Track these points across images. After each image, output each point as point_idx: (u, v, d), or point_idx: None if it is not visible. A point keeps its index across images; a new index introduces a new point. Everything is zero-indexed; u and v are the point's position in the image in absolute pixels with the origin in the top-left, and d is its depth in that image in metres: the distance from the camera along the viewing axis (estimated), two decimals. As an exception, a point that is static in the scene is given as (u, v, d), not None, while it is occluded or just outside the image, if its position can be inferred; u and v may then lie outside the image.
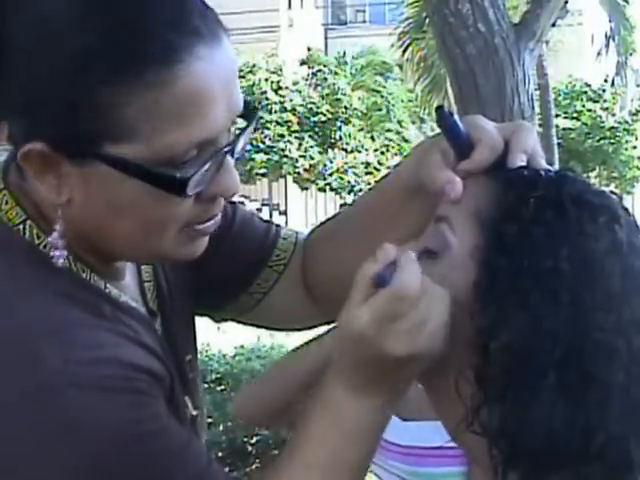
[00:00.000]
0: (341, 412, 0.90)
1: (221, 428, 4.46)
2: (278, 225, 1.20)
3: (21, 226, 0.92)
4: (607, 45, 12.22)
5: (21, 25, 0.85)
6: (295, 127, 22.04)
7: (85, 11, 0.84)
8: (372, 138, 23.86)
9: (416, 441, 1.81)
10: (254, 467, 4.52)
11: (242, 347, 5.14)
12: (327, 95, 22.36)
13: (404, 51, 10.56)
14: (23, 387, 0.83)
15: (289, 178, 23.56)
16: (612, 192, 0.92)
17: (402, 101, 24.60)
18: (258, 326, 1.24)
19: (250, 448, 4.56)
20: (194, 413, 1.06)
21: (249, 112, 0.94)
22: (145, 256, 0.97)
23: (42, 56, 0.84)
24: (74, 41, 0.83)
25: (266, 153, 21.23)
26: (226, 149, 0.90)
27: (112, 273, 0.98)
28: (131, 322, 0.95)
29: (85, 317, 0.89)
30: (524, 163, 0.91)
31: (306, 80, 22.94)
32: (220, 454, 4.38)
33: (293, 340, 0.90)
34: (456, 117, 0.93)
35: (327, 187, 23.19)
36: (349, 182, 22.36)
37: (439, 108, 0.93)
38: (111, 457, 0.85)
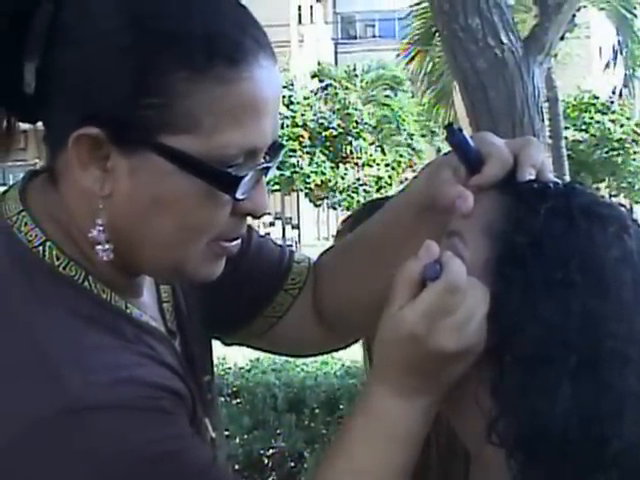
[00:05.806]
0: (388, 417, 0.89)
1: (237, 441, 4.43)
2: (292, 249, 1.20)
3: (40, 248, 0.90)
4: (615, 58, 12.17)
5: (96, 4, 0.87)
6: (306, 142, 21.97)
7: None
8: (383, 152, 23.77)
9: None
10: (270, 479, 4.51)
11: (258, 360, 5.11)
12: (338, 110, 22.30)
13: (409, 62, 10.56)
14: (44, 411, 0.82)
15: (301, 193, 23.46)
16: (621, 204, 0.93)
17: (412, 114, 24.54)
18: (266, 351, 1.24)
19: (266, 460, 4.54)
20: (213, 435, 1.05)
21: (274, 148, 0.94)
22: (168, 270, 0.94)
23: (113, 34, 0.85)
24: (152, 22, 0.85)
25: (278, 168, 21.13)
26: (264, 165, 0.91)
27: (131, 290, 0.97)
28: (153, 342, 0.95)
29: (107, 339, 0.88)
30: (533, 177, 0.92)
31: (316, 94, 22.88)
32: (237, 467, 4.36)
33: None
34: (466, 133, 0.94)
35: (338, 205, 23.10)
36: (359, 201, 22.24)
37: (449, 125, 0.94)
38: (136, 477, 0.84)
